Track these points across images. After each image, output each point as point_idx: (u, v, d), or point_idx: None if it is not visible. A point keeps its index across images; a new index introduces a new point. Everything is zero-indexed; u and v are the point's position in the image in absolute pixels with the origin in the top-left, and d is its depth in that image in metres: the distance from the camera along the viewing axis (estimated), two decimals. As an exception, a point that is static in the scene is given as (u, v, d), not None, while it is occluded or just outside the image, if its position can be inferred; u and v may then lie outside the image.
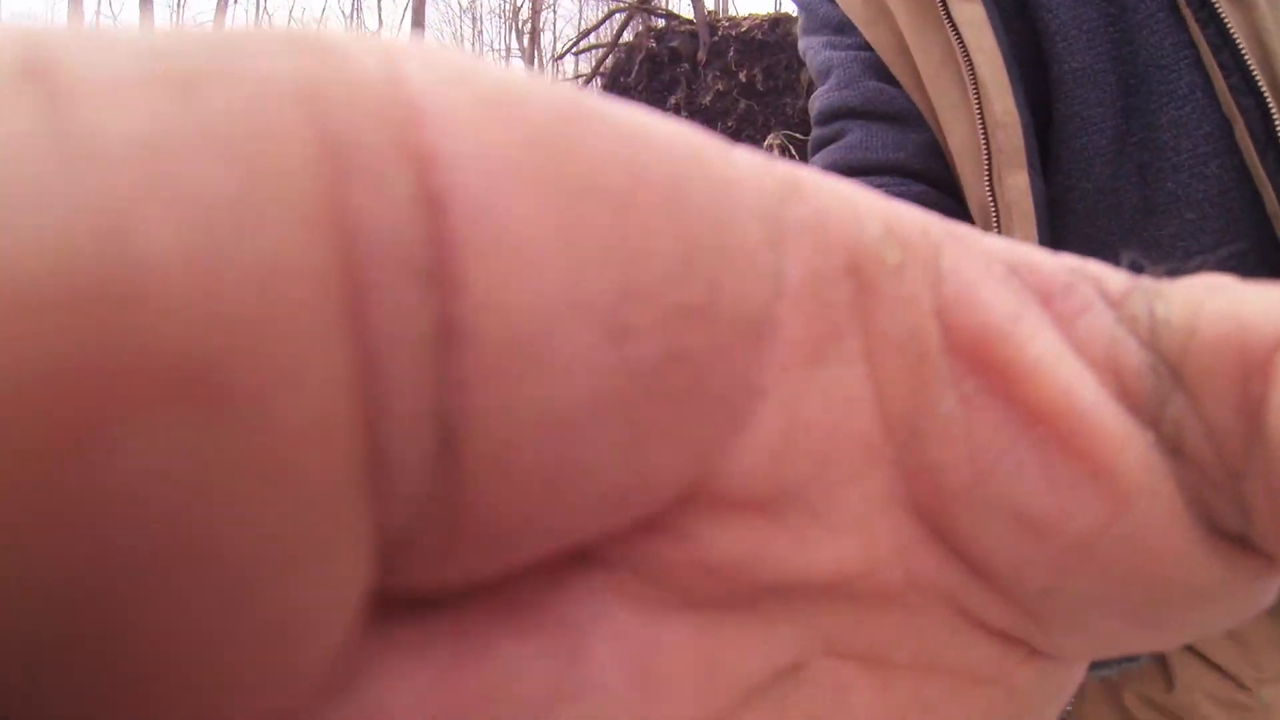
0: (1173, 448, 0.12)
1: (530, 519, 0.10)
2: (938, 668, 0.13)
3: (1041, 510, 0.12)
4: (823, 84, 0.78)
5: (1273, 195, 0.61)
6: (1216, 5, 0.61)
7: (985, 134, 0.67)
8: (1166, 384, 0.12)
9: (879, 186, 0.72)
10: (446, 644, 0.10)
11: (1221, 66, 0.62)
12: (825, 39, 0.79)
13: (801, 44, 0.84)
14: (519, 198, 0.09)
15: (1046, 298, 0.12)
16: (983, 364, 0.12)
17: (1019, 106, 0.66)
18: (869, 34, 0.74)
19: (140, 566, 0.07)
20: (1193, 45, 0.63)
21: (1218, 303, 0.12)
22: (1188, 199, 0.64)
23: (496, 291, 0.09)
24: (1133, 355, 0.12)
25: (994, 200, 0.67)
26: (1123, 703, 0.74)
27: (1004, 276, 0.12)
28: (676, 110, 5.37)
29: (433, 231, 0.08)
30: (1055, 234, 0.69)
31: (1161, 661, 0.72)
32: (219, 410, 0.07)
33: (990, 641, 0.13)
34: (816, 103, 0.78)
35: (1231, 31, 0.61)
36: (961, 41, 0.67)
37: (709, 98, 5.24)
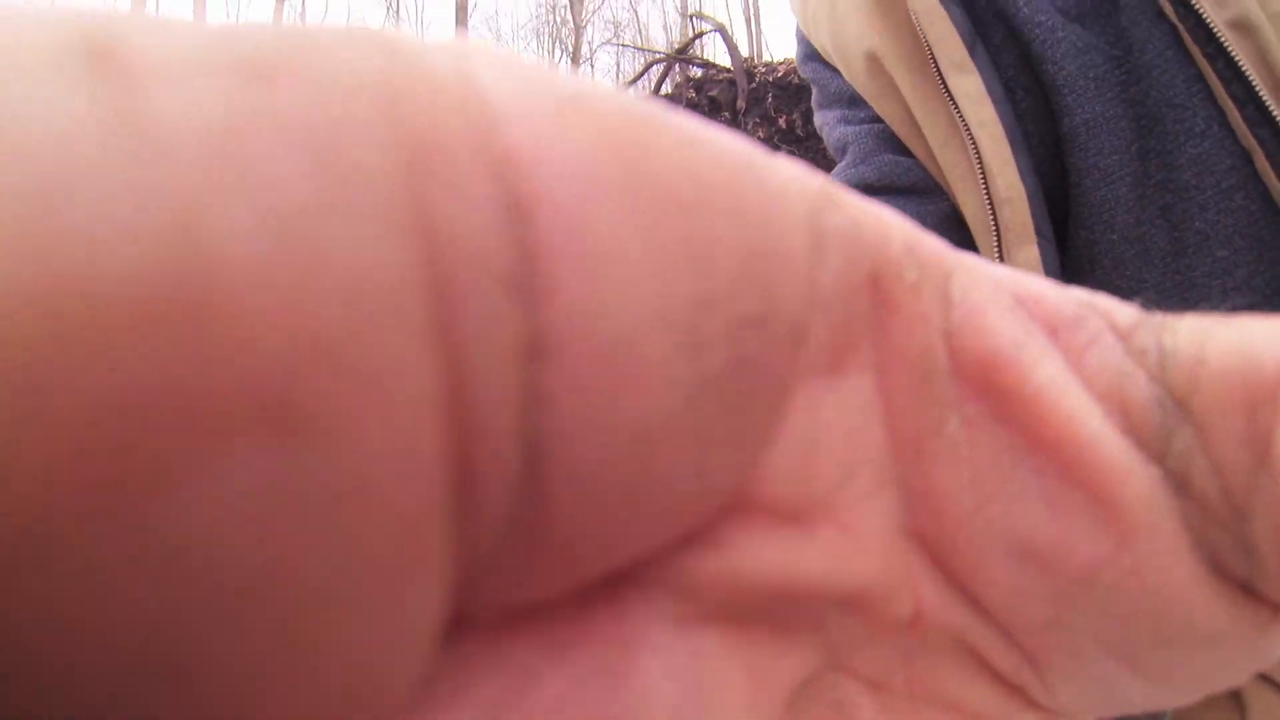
0: (1179, 483, 0.12)
1: (607, 534, 0.09)
2: (939, 703, 0.13)
3: (1042, 541, 0.12)
4: (840, 160, 0.78)
5: None
6: (1222, 39, 0.60)
7: (992, 208, 0.66)
8: (1174, 418, 0.12)
9: None
10: (490, 681, 0.10)
11: (1234, 99, 0.61)
12: (839, 113, 0.79)
13: (817, 119, 0.84)
14: (605, 205, 0.08)
15: (1054, 329, 0.12)
16: (987, 388, 0.12)
17: (1024, 176, 0.65)
18: (878, 107, 0.74)
19: (216, 601, 0.07)
20: (1204, 80, 0.62)
21: (1225, 335, 0.12)
22: (1217, 236, 0.63)
23: (587, 301, 0.08)
24: (1140, 388, 0.12)
25: None
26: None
27: (1011, 306, 0.12)
28: (718, 158, 5.41)
29: (520, 238, 0.08)
30: (1083, 286, 0.68)
31: (1234, 693, 0.69)
32: (300, 433, 0.07)
33: (993, 685, 0.13)
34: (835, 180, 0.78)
35: (1240, 63, 0.60)
36: (961, 115, 0.66)
37: (750, 145, 5.28)
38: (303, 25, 0.08)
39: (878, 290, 0.11)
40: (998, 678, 0.13)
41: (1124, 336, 0.12)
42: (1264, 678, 0.70)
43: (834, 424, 0.11)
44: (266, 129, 0.07)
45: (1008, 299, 0.12)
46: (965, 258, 0.12)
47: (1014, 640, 0.13)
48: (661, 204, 0.09)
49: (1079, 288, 0.13)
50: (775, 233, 0.10)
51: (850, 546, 0.12)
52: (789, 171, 0.11)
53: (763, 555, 0.11)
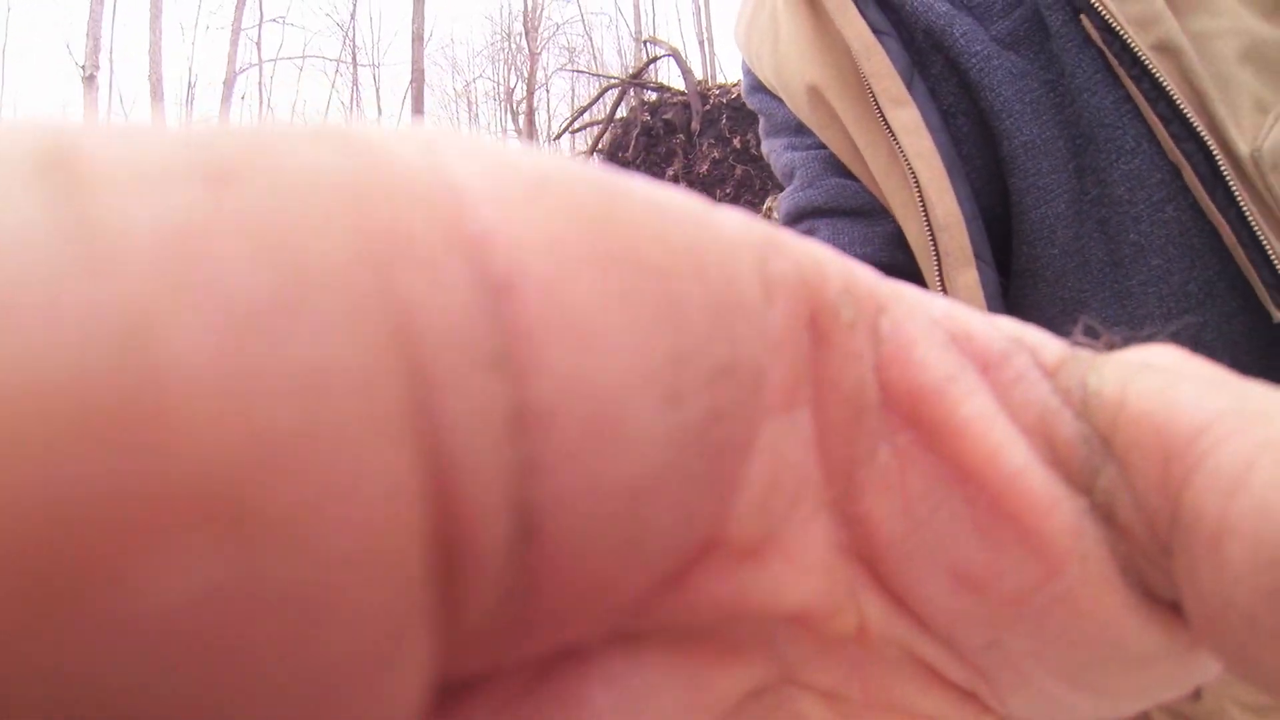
0: (1105, 516, 0.12)
1: (600, 592, 0.10)
2: (895, 710, 0.13)
3: (974, 566, 0.12)
4: (788, 184, 0.81)
5: (1228, 229, 0.62)
6: (1146, 61, 0.63)
7: (932, 234, 0.69)
8: (1098, 454, 0.12)
9: None
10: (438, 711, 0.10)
11: (1160, 117, 0.63)
12: (786, 140, 0.81)
13: (764, 147, 0.86)
14: (581, 275, 0.09)
15: (984, 365, 0.12)
16: (916, 419, 0.12)
17: (962, 203, 0.68)
18: (822, 137, 0.76)
19: (167, 707, 0.07)
20: (1132, 100, 0.65)
21: (1148, 380, 0.12)
22: (1151, 246, 0.66)
23: (574, 370, 0.08)
24: (1066, 425, 0.12)
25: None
26: (1148, 714, 0.73)
27: (943, 342, 0.12)
28: (675, 180, 5.43)
29: (500, 316, 0.08)
30: (1028, 300, 0.70)
31: None
32: (252, 535, 0.07)
33: (946, 692, 0.13)
34: (783, 204, 0.80)
35: (1163, 83, 0.63)
36: (900, 146, 0.69)
37: (705, 166, 5.31)
38: (266, 124, 0.08)
39: (816, 329, 0.12)
40: (950, 685, 0.13)
41: (1050, 373, 0.12)
42: None
43: (785, 460, 0.11)
44: (221, 231, 0.07)
45: (940, 334, 0.12)
46: (904, 292, 0.13)
47: (959, 655, 0.13)
48: (633, 269, 0.09)
49: (1012, 317, 0.13)
50: (735, 285, 0.10)
51: (794, 568, 0.12)
52: (736, 222, 0.11)
53: (716, 589, 0.11)
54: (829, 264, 0.12)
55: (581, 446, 0.09)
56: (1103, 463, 0.12)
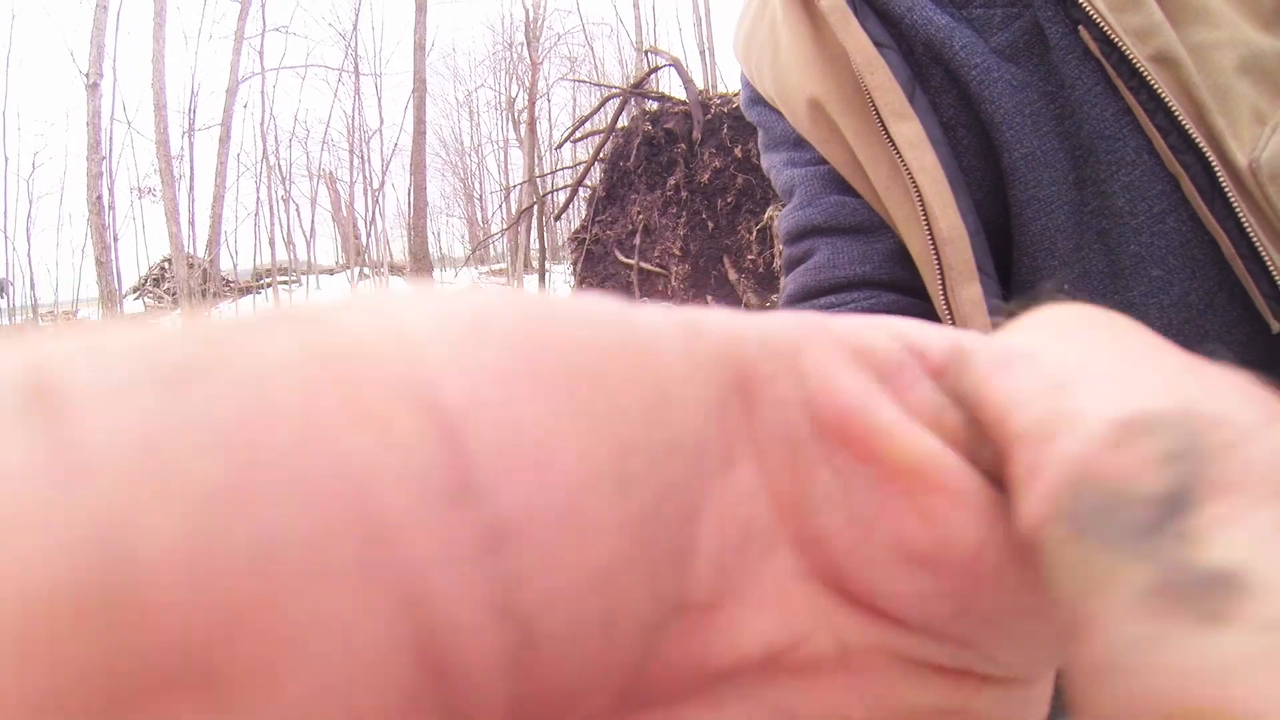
0: (996, 484, 0.13)
1: (592, 676, 0.10)
2: (900, 713, 0.14)
3: (921, 544, 0.13)
4: (788, 202, 0.80)
5: (1227, 240, 0.62)
6: (1144, 72, 0.63)
7: (935, 248, 0.69)
8: (978, 439, 0.14)
9: (849, 302, 0.75)
10: None
11: (1159, 128, 0.63)
12: (785, 155, 0.81)
13: (764, 162, 0.86)
14: (526, 400, 0.10)
15: (885, 376, 0.14)
16: (847, 439, 0.13)
17: (965, 217, 0.68)
18: (823, 151, 0.76)
19: None
20: (1131, 112, 0.65)
21: (994, 384, 0.13)
22: (1151, 258, 0.66)
23: (535, 485, 0.09)
24: (953, 416, 0.14)
25: (950, 312, 0.69)
26: None
27: (852, 365, 0.14)
28: (677, 190, 5.43)
29: (457, 448, 0.09)
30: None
31: None
32: (223, 692, 0.08)
33: (941, 679, 0.14)
34: (783, 222, 0.80)
35: (1161, 94, 0.63)
36: (903, 160, 0.69)
37: (707, 175, 5.31)
38: (226, 319, 0.09)
39: (743, 390, 0.13)
40: (943, 670, 0.14)
41: (936, 376, 0.14)
42: None
43: (733, 515, 0.13)
44: (179, 433, 0.08)
45: (848, 357, 0.14)
46: (812, 325, 0.14)
47: (937, 635, 0.14)
48: (570, 379, 0.10)
49: (900, 326, 0.15)
50: (663, 372, 0.12)
51: (746, 610, 0.13)
52: (657, 316, 0.12)
53: (688, 651, 0.12)
54: (745, 328, 0.13)
55: (553, 549, 0.10)
56: (982, 445, 0.14)
